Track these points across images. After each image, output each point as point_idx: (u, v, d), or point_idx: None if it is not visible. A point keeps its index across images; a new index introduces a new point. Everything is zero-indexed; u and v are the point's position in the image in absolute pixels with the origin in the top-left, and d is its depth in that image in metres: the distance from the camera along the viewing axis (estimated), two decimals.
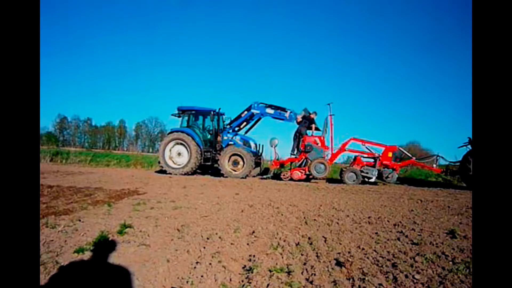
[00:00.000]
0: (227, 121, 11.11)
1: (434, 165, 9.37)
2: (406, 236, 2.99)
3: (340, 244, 2.69)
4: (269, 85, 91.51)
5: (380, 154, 9.24)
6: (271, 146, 10.17)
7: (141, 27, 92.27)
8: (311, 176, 9.52)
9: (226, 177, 9.87)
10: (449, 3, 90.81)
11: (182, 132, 10.42)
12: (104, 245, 2.48)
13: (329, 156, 9.67)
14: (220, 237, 2.81)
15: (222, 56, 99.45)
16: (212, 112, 10.75)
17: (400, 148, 10.00)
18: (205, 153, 10.49)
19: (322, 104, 11.16)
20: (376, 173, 9.02)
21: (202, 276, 1.96)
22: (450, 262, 2.25)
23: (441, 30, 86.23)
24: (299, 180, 9.44)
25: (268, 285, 1.84)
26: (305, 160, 9.79)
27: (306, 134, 9.87)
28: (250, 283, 1.86)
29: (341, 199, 5.65)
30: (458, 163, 9.05)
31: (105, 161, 15.74)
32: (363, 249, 2.56)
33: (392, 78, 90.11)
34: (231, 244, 2.62)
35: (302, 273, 2.04)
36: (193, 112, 11.06)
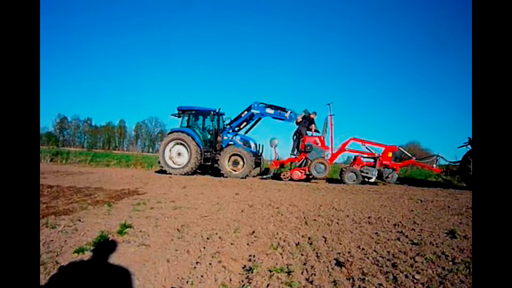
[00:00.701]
0: (227, 121, 11.13)
1: (434, 165, 9.38)
2: (406, 236, 2.99)
3: (340, 244, 2.69)
4: (269, 85, 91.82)
5: (380, 154, 9.25)
6: (271, 146, 10.17)
7: (141, 27, 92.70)
8: (311, 176, 9.53)
9: (226, 177, 9.87)
10: (449, 3, 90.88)
11: (182, 132, 10.43)
12: (104, 245, 2.48)
13: (329, 156, 9.68)
14: (220, 237, 2.81)
15: (222, 56, 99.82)
16: (212, 112, 10.76)
17: (400, 148, 10.00)
18: (205, 153, 10.50)
19: (322, 104, 11.15)
20: (376, 173, 9.03)
21: (202, 276, 1.96)
22: (450, 262, 2.24)
23: (441, 30, 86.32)
24: (299, 180, 9.44)
25: (268, 285, 1.84)
26: (305, 160, 9.80)
27: (306, 134, 9.88)
28: (250, 283, 1.86)
29: (341, 199, 5.65)
30: (458, 163, 9.05)
31: (105, 161, 15.76)
32: (363, 249, 2.56)
33: (392, 78, 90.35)
34: (231, 244, 2.62)
35: (302, 273, 2.04)
36: (193, 112, 11.07)
